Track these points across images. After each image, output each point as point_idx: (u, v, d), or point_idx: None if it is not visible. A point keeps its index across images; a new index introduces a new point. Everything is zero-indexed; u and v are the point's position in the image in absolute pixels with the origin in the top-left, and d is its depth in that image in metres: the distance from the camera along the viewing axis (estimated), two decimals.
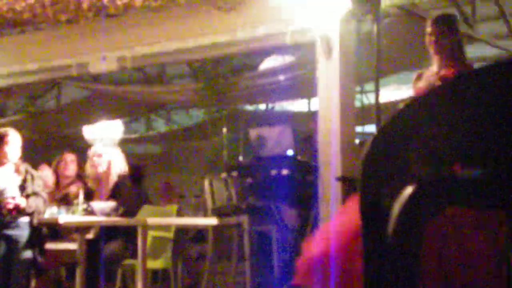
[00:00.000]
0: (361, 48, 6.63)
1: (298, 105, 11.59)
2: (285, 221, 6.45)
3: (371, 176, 1.41)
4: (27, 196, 6.00)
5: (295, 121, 9.03)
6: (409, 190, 1.37)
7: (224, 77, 8.87)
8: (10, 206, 5.90)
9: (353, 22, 6.44)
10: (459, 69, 4.36)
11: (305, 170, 6.49)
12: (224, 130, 6.98)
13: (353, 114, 6.60)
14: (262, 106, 11.06)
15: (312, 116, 7.51)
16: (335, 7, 6.40)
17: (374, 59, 6.18)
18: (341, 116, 6.34)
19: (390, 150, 1.40)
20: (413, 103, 1.60)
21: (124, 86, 10.65)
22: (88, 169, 6.56)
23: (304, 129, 7.90)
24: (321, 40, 6.56)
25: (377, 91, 5.84)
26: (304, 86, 8.40)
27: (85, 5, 7.15)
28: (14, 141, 6.15)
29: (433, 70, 4.54)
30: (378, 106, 5.26)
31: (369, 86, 9.12)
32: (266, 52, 8.62)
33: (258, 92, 8.76)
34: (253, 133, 6.75)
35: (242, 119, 9.08)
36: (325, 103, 6.61)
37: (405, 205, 1.35)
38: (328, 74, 6.51)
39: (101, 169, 6.48)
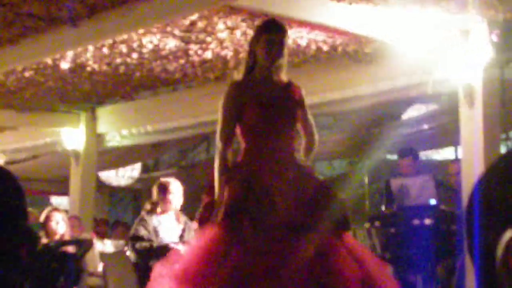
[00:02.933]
0: (506, 95, 6.52)
1: (444, 154, 11.42)
2: (430, 272, 6.37)
3: (475, 218, 1.49)
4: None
5: (440, 170, 8.91)
6: (509, 233, 1.43)
7: (367, 128, 8.95)
8: None
9: (496, 69, 6.36)
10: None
11: (450, 220, 6.41)
12: (366, 180, 7.06)
13: None
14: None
15: (452, 166, 7.39)
16: (476, 55, 6.37)
17: None
18: (485, 164, 6.24)
19: (493, 193, 1.47)
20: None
21: None
22: None
23: (449, 179, 7.80)
24: (463, 89, 6.51)
25: None
26: (449, 134, 8.32)
27: (231, 64, 7.51)
28: (177, 190, 6.47)
29: None
30: None
31: None
32: (408, 102, 8.64)
33: (401, 141, 8.75)
34: (396, 183, 6.76)
35: (385, 169, 9.10)
36: (468, 151, 6.54)
37: (506, 249, 1.41)
38: (471, 122, 6.45)
39: None
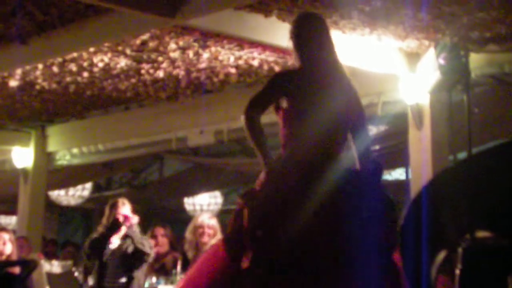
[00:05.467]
0: (454, 117, 6.63)
1: (395, 174, 11.53)
2: None
3: (409, 242, 1.51)
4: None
5: (392, 191, 8.98)
6: (442, 255, 1.45)
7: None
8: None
9: (443, 92, 6.47)
10: None
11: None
12: None
13: None
14: None
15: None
16: (424, 78, 6.48)
17: (466, 128, 6.21)
18: None
19: (426, 215, 1.49)
20: (443, 174, 1.69)
21: (222, 159, 10.95)
22: (190, 236, 6.67)
23: (401, 199, 7.87)
24: (412, 111, 6.63)
25: None
26: (399, 155, 8.41)
27: (183, 83, 7.50)
28: (124, 208, 6.46)
29: None
30: None
31: (464, 155, 9.00)
32: None
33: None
34: None
35: None
36: (417, 172, 6.63)
37: (440, 269, 1.43)
38: (420, 144, 6.55)
39: (207, 238, 6.56)
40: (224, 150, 10.80)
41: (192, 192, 12.30)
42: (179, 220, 12.45)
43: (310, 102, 3.34)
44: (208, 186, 12.04)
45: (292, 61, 6.76)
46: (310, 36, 3.46)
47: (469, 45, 6.10)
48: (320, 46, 3.46)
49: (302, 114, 3.33)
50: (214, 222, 6.61)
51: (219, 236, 6.59)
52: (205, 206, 12.34)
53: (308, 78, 3.38)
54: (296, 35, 3.47)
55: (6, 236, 6.54)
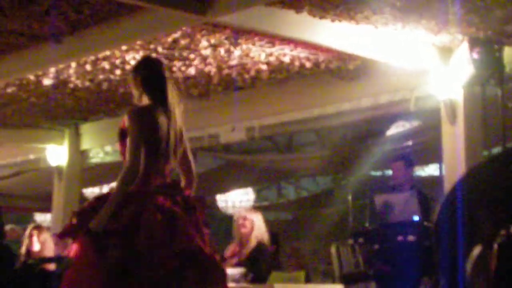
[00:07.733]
0: (487, 112, 6.56)
1: (428, 170, 11.46)
2: None
3: (444, 237, 1.50)
4: None
5: (425, 186, 8.92)
6: (477, 250, 1.44)
7: (350, 144, 8.97)
8: None
9: (477, 86, 6.41)
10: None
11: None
12: (350, 196, 7.07)
13: None
14: (389, 172, 11.00)
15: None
16: (458, 72, 6.41)
17: (500, 123, 6.14)
18: None
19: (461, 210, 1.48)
20: (478, 168, 1.67)
21: (254, 155, 10.97)
22: (235, 231, 6.76)
23: (435, 194, 7.81)
24: (445, 106, 6.56)
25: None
26: (432, 151, 8.36)
27: (215, 80, 7.51)
28: None
29: None
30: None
31: (498, 150, 8.90)
32: (391, 119, 8.67)
33: (385, 158, 8.78)
34: (379, 199, 6.76)
35: (369, 185, 9.11)
36: (451, 168, 6.57)
37: (475, 265, 1.42)
38: (453, 139, 6.49)
39: (245, 230, 6.68)
40: (255, 146, 10.82)
41: (224, 189, 12.33)
42: (212, 217, 12.49)
43: (159, 134, 3.88)
44: (240, 183, 12.05)
45: (325, 56, 6.77)
46: (158, 78, 4.04)
47: (503, 39, 6.03)
48: (166, 87, 4.02)
49: (152, 145, 3.86)
50: (250, 214, 6.73)
51: (259, 227, 6.67)
52: (237, 202, 12.37)
53: (157, 113, 3.90)
54: (145, 77, 4.03)
55: (41, 233, 6.63)
